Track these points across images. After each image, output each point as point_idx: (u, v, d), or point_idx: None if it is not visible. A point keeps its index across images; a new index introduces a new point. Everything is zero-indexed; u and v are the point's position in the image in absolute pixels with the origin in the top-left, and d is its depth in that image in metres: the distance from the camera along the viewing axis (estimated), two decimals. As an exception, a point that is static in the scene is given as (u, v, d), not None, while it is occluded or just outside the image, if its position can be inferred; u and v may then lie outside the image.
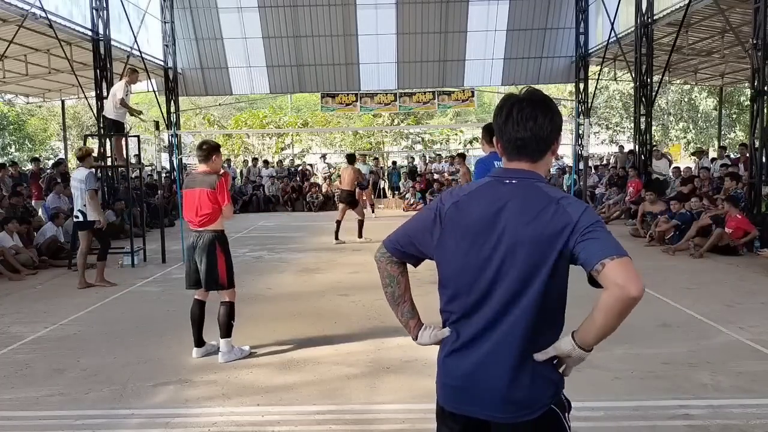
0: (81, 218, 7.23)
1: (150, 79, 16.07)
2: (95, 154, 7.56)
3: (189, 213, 4.55)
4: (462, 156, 13.70)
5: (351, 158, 11.80)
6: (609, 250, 1.49)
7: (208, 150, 4.59)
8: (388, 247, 1.80)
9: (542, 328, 1.60)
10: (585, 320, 1.55)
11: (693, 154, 16.94)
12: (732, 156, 15.35)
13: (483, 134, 4.80)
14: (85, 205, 7.14)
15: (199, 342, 4.68)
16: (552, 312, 1.62)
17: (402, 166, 20.30)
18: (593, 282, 1.53)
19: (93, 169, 7.59)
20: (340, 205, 11.27)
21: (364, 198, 15.16)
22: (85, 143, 10.63)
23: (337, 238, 10.78)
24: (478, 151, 28.50)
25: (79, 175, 7.27)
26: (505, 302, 1.59)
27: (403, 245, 1.78)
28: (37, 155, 22.84)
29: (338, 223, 10.86)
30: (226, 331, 4.57)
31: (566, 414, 1.68)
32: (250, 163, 20.27)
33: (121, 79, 10.14)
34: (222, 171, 4.66)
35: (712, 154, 18.99)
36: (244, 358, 4.59)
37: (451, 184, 17.88)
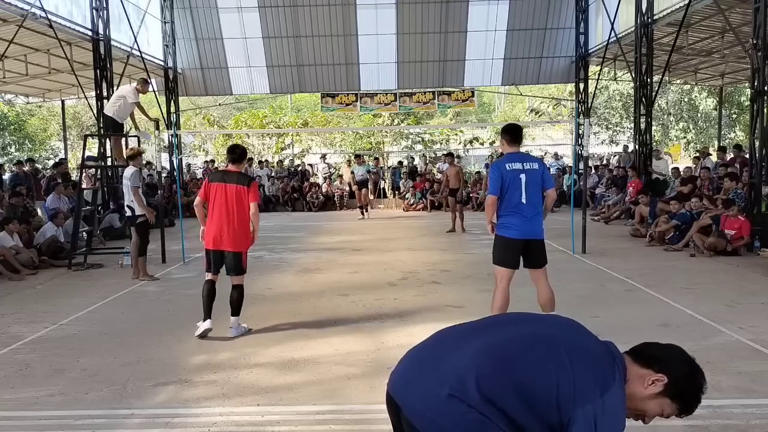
0: (130, 213, 7.63)
1: (150, 79, 16.05)
2: (139, 154, 8.11)
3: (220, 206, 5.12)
4: (450, 156, 13.48)
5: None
6: None
7: (242, 152, 5.42)
8: None
9: None
10: None
11: (698, 152, 16.91)
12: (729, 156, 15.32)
13: (504, 136, 4.83)
14: (132, 201, 7.55)
15: (209, 315, 5.13)
16: None
17: (404, 166, 20.32)
18: None
19: (139, 168, 8.04)
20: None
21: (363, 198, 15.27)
22: (85, 143, 10.65)
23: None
24: (478, 151, 28.53)
25: (127, 173, 7.77)
26: None
27: None
28: (32, 156, 22.78)
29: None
30: (238, 310, 5.22)
31: None
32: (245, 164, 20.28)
33: (130, 83, 10.23)
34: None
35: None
36: (245, 335, 5.18)
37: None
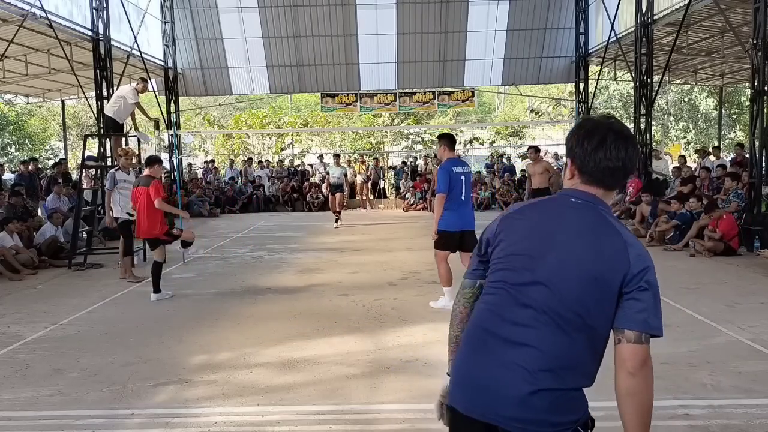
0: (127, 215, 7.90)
1: (150, 79, 16.06)
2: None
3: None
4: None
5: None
6: (641, 323, 1.52)
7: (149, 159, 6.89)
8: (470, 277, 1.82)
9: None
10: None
11: (696, 152, 16.91)
12: (724, 156, 15.33)
13: (444, 142, 5.92)
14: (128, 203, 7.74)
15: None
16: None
17: (406, 166, 20.31)
18: None
19: (126, 169, 8.31)
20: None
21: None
22: (85, 143, 10.65)
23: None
24: (478, 151, 28.56)
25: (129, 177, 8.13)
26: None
27: (476, 264, 1.80)
28: (33, 156, 22.80)
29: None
30: (155, 281, 6.62)
31: None
32: (245, 164, 20.30)
33: (130, 84, 10.24)
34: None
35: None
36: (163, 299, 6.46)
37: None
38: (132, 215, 7.51)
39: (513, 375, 1.55)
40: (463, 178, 5.73)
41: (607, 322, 1.56)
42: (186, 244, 7.10)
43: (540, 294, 1.57)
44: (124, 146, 9.70)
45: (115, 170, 8.11)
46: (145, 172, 6.83)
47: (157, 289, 6.59)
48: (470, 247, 5.54)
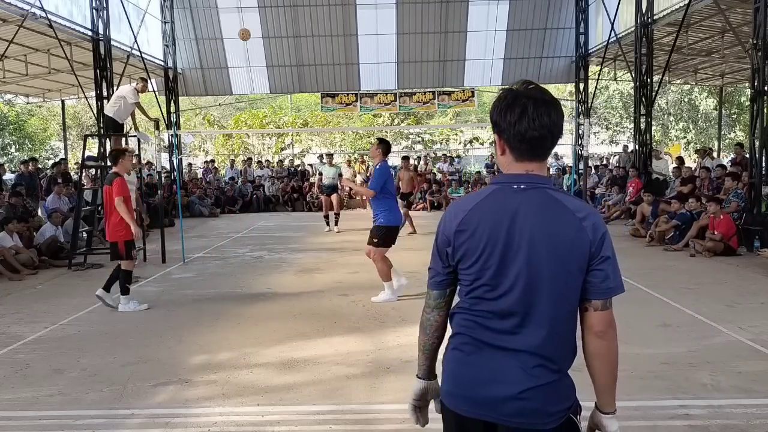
0: None
1: (150, 79, 16.05)
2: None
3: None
4: (406, 159, 13.08)
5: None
6: (605, 291, 1.59)
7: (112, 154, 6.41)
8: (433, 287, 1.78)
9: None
10: (597, 391, 1.66)
11: (696, 152, 16.90)
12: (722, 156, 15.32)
13: (383, 148, 6.37)
14: None
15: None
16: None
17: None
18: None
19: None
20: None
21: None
22: (85, 143, 10.65)
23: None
24: (478, 151, 28.56)
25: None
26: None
27: (437, 275, 1.76)
28: (34, 156, 22.82)
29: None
30: (109, 286, 6.24)
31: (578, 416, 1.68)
32: (245, 164, 20.29)
33: (130, 83, 10.25)
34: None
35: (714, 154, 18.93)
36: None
37: (451, 185, 17.90)
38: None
39: (509, 374, 1.59)
40: (395, 180, 6.66)
41: (578, 295, 1.62)
42: (109, 285, 6.21)
43: (518, 300, 1.58)
44: (124, 145, 9.71)
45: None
46: (114, 169, 6.32)
47: (123, 291, 6.16)
48: (395, 240, 6.49)
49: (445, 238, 1.69)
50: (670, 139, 27.87)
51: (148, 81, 10.03)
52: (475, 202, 1.64)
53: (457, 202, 1.73)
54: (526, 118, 1.58)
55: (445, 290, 1.75)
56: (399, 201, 12.05)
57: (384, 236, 6.27)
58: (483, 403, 1.61)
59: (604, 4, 15.33)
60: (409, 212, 11.97)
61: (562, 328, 1.59)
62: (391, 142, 6.84)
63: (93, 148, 16.49)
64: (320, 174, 13.76)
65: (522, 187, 1.61)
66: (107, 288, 6.21)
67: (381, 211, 6.29)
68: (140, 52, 14.86)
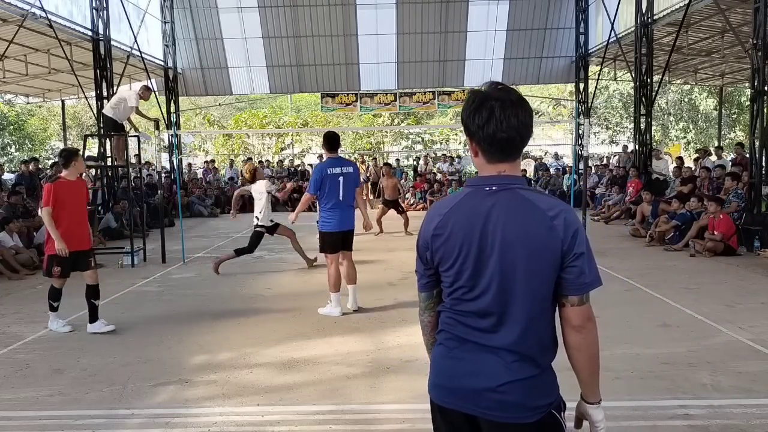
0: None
1: (150, 79, 16.06)
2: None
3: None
4: (388, 165, 12.96)
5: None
6: (581, 286, 1.61)
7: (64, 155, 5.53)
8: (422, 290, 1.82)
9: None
10: (580, 383, 1.69)
11: (697, 152, 16.92)
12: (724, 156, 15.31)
13: (323, 142, 5.74)
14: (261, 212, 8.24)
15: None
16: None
17: (406, 165, 20.32)
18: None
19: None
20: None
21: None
22: (84, 143, 10.65)
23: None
24: (478, 151, 28.49)
25: (258, 187, 8.50)
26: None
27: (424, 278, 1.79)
28: (34, 156, 22.83)
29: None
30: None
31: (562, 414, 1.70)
32: (245, 164, 20.30)
33: (130, 84, 10.27)
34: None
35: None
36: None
37: (451, 185, 17.90)
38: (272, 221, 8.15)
39: (489, 368, 1.62)
40: (341, 179, 5.57)
41: (552, 293, 1.64)
42: (93, 316, 5.37)
43: (494, 300, 1.61)
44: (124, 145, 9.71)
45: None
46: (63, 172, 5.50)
47: (93, 318, 5.37)
48: (350, 246, 5.91)
49: (424, 242, 1.72)
50: (670, 139, 27.87)
51: (152, 90, 10.05)
52: (449, 206, 1.67)
53: (434, 206, 1.74)
54: (494, 120, 1.59)
55: (431, 291, 1.79)
56: (382, 207, 12.03)
57: (323, 242, 5.84)
58: (464, 394, 1.64)
59: (604, 4, 15.33)
60: (407, 214, 11.92)
61: (539, 326, 1.62)
62: (339, 134, 5.90)
63: (93, 148, 16.49)
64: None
65: (494, 188, 1.62)
66: (93, 319, 5.34)
67: (321, 214, 5.81)
68: (140, 52, 14.86)
